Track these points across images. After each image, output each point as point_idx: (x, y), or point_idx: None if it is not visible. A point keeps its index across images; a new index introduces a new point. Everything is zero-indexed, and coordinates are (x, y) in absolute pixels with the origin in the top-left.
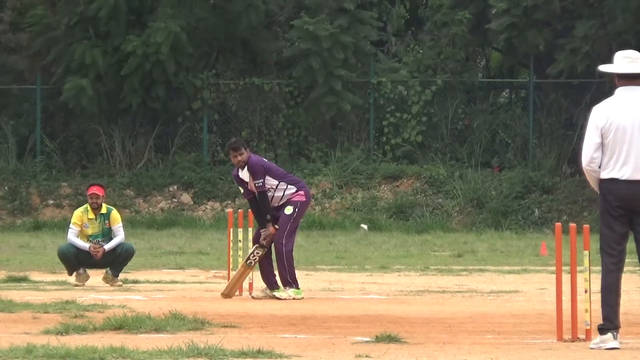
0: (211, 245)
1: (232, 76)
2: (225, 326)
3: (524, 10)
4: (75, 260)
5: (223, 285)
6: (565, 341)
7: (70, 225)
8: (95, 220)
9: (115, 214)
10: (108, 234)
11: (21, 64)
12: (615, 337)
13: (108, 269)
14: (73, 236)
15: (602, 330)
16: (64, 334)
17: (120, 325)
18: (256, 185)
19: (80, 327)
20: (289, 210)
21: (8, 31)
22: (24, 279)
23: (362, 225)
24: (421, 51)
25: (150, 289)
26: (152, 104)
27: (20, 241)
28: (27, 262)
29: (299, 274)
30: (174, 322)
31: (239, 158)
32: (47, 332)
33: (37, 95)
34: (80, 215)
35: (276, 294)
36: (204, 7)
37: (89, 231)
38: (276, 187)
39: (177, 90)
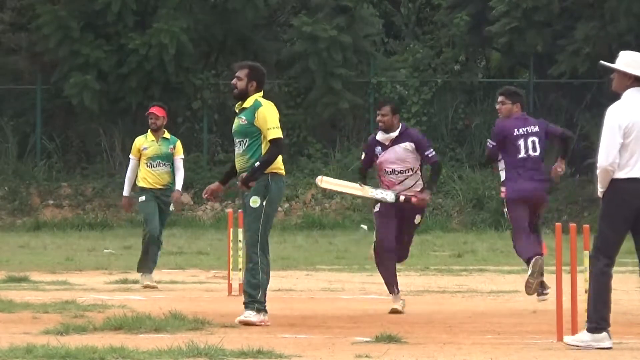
0: (211, 246)
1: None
2: (225, 326)
3: (523, 12)
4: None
5: (223, 285)
6: None
7: (130, 156)
8: (157, 142)
9: (180, 145)
10: (170, 159)
11: (21, 64)
12: (610, 337)
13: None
14: (130, 171)
15: (597, 329)
16: (64, 334)
17: (120, 325)
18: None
19: (80, 327)
20: None
21: (8, 31)
22: (24, 279)
23: (362, 226)
24: (421, 51)
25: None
26: (152, 104)
27: (20, 241)
28: (27, 262)
29: (299, 274)
30: (174, 322)
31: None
32: (47, 332)
33: (37, 95)
34: (138, 140)
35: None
36: (204, 7)
37: (149, 153)
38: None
39: (177, 90)
